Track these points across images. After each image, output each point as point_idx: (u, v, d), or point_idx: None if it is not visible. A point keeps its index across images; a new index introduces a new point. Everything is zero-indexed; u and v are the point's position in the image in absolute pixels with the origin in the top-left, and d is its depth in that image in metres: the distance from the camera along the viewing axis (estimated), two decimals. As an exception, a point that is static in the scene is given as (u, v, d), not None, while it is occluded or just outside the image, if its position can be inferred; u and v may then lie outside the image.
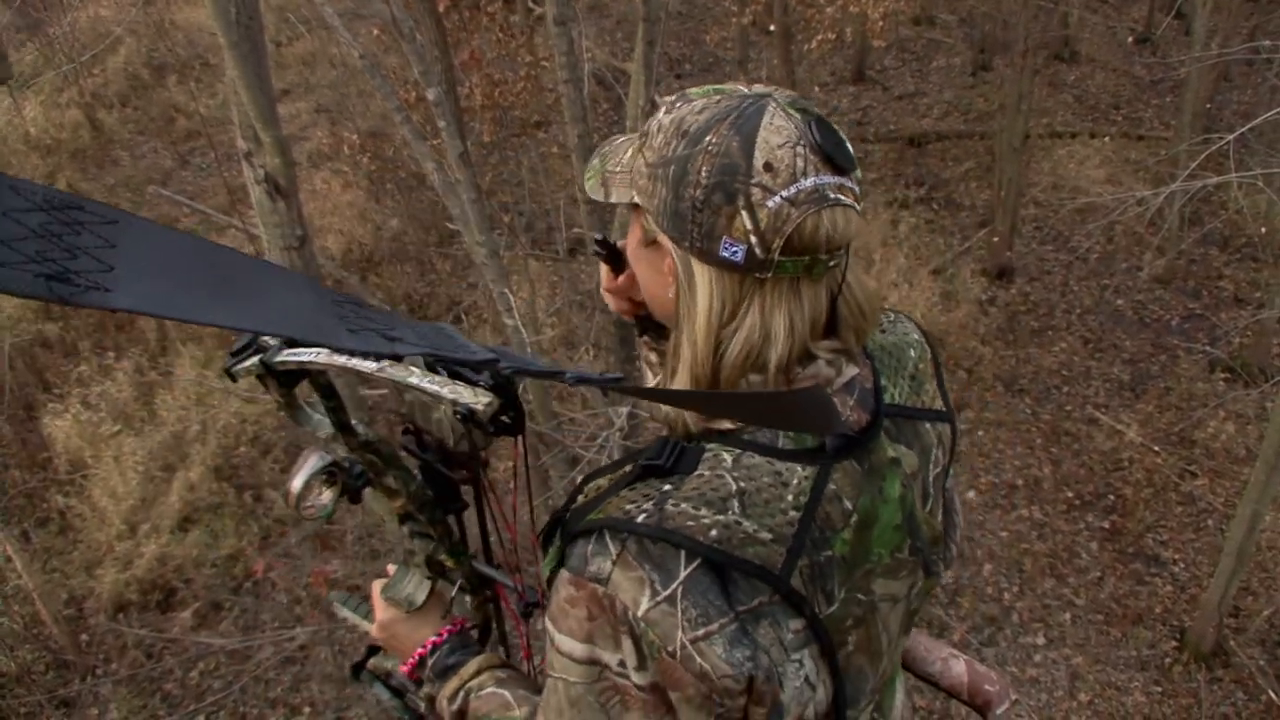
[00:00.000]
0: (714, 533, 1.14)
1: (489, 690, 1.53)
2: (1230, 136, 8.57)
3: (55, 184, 15.52)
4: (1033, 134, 14.75)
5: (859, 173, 1.23)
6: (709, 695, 1.15)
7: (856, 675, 1.29)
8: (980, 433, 11.79)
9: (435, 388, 1.36)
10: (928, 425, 1.41)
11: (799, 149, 1.17)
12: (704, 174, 1.16)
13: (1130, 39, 19.76)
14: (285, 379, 1.50)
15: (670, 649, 1.14)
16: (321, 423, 1.57)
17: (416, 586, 1.71)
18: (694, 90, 1.26)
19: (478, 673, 1.58)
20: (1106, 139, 16.40)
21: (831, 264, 1.21)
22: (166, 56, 18.67)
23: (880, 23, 14.74)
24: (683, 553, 1.14)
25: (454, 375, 1.38)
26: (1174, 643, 9.68)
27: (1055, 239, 14.88)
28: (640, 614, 1.14)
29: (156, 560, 10.22)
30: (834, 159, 1.18)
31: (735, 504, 1.17)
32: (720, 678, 1.14)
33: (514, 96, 12.49)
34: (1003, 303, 13.73)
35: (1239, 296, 13.61)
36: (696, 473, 1.20)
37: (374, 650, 1.82)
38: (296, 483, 1.50)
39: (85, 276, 0.73)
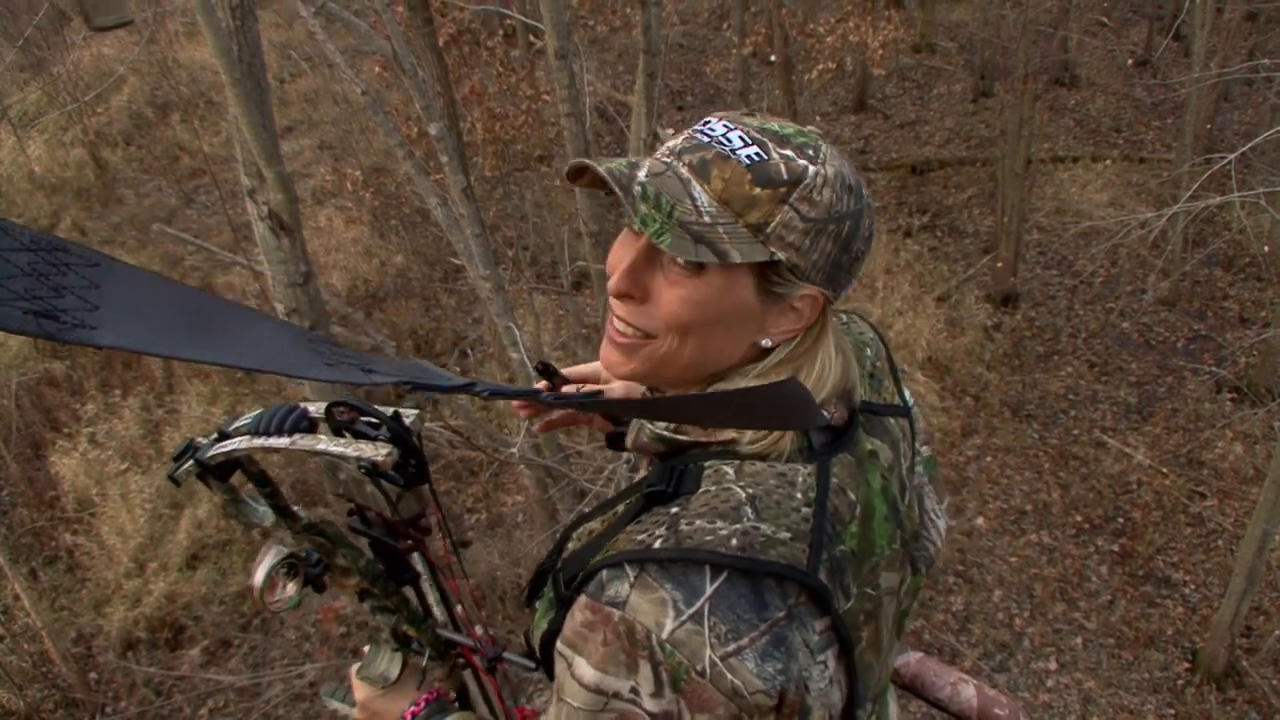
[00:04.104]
0: (734, 541, 1.13)
1: None
2: (1232, 156, 8.58)
3: (60, 223, 15.69)
4: (1035, 159, 14.77)
5: None
6: (738, 715, 1.12)
7: (866, 672, 1.27)
8: (988, 458, 11.77)
9: (339, 449, 1.38)
10: (891, 420, 1.45)
11: (850, 175, 1.27)
12: (868, 227, 1.26)
13: (1130, 62, 19.83)
14: (220, 473, 1.50)
15: (700, 668, 1.10)
16: (265, 514, 1.58)
17: (389, 662, 1.71)
18: (796, 129, 1.25)
19: None
20: (1108, 162, 16.43)
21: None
22: (170, 95, 18.75)
23: (880, 51, 14.80)
24: (707, 568, 1.12)
25: (357, 435, 1.40)
26: (1186, 664, 9.64)
27: (1059, 263, 14.89)
28: (665, 636, 1.10)
29: (165, 598, 10.20)
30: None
31: (749, 510, 1.16)
32: (753, 694, 1.11)
33: (516, 130, 12.54)
34: (1008, 328, 13.73)
35: (1244, 316, 13.60)
36: (701, 490, 1.20)
37: None
38: (257, 577, 1.51)
39: (71, 314, 0.74)
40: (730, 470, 1.21)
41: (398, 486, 1.48)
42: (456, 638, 1.73)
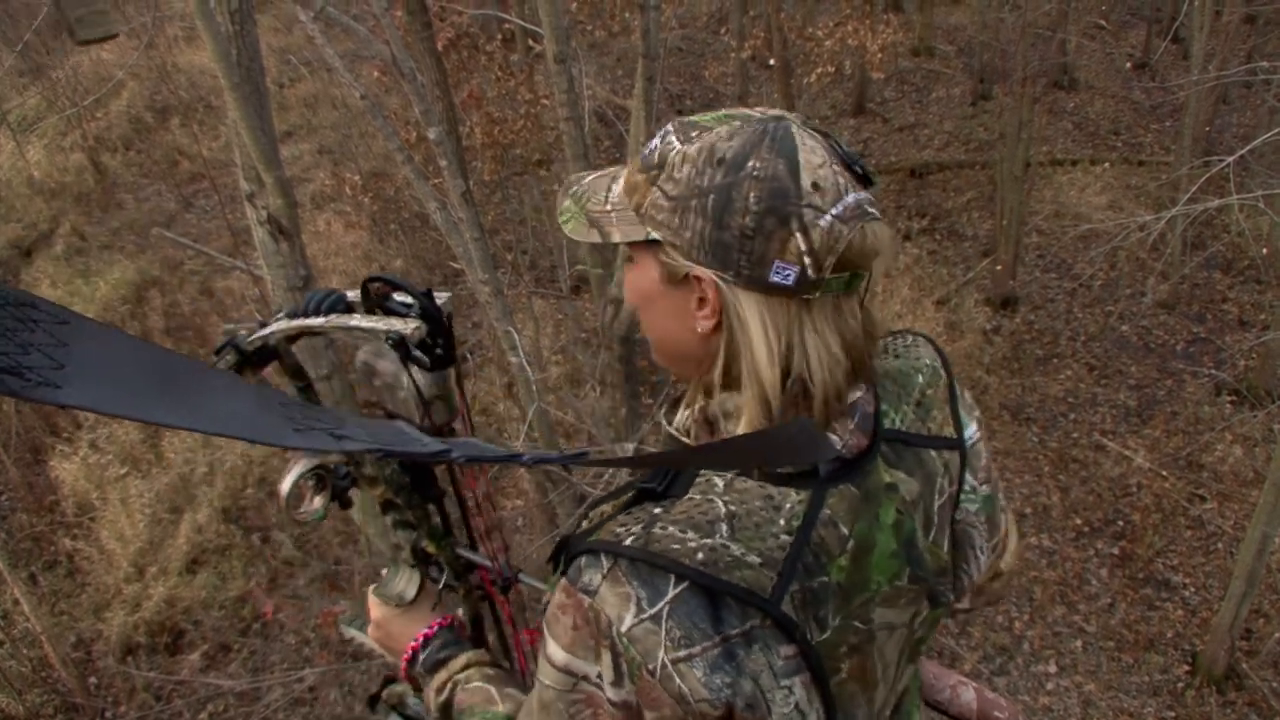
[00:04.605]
0: (700, 556, 1.14)
1: (475, 684, 1.54)
2: (1230, 159, 8.58)
3: (60, 228, 15.65)
4: (1033, 162, 14.78)
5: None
6: (684, 718, 1.15)
7: (849, 702, 1.27)
8: (987, 461, 11.77)
9: (370, 324, 1.42)
10: (933, 453, 1.37)
11: (835, 167, 1.20)
12: (753, 200, 1.16)
13: (1129, 65, 19.85)
14: (258, 360, 1.55)
15: (651, 667, 1.13)
16: None
17: (407, 582, 1.73)
18: (702, 117, 1.25)
19: (466, 667, 1.59)
20: (1107, 165, 16.44)
21: (862, 275, 1.26)
22: (169, 99, 18.76)
23: (879, 55, 14.80)
24: (671, 575, 1.14)
25: (388, 312, 1.45)
26: (1186, 667, 9.64)
27: (1058, 266, 14.90)
28: (624, 630, 1.13)
29: (165, 602, 10.20)
30: (858, 171, 1.24)
31: (724, 527, 1.17)
32: (697, 701, 1.13)
33: (514, 135, 12.54)
34: (1007, 331, 13.73)
35: (1243, 319, 13.60)
36: (687, 496, 1.20)
37: (390, 681, 1.83)
38: (284, 486, 1.51)
39: (36, 372, 0.73)
40: (720, 483, 1.21)
41: (424, 368, 1.51)
42: (474, 557, 1.76)
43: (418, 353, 1.46)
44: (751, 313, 1.20)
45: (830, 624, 1.21)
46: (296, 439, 0.79)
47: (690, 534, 1.16)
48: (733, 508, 1.19)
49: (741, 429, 1.23)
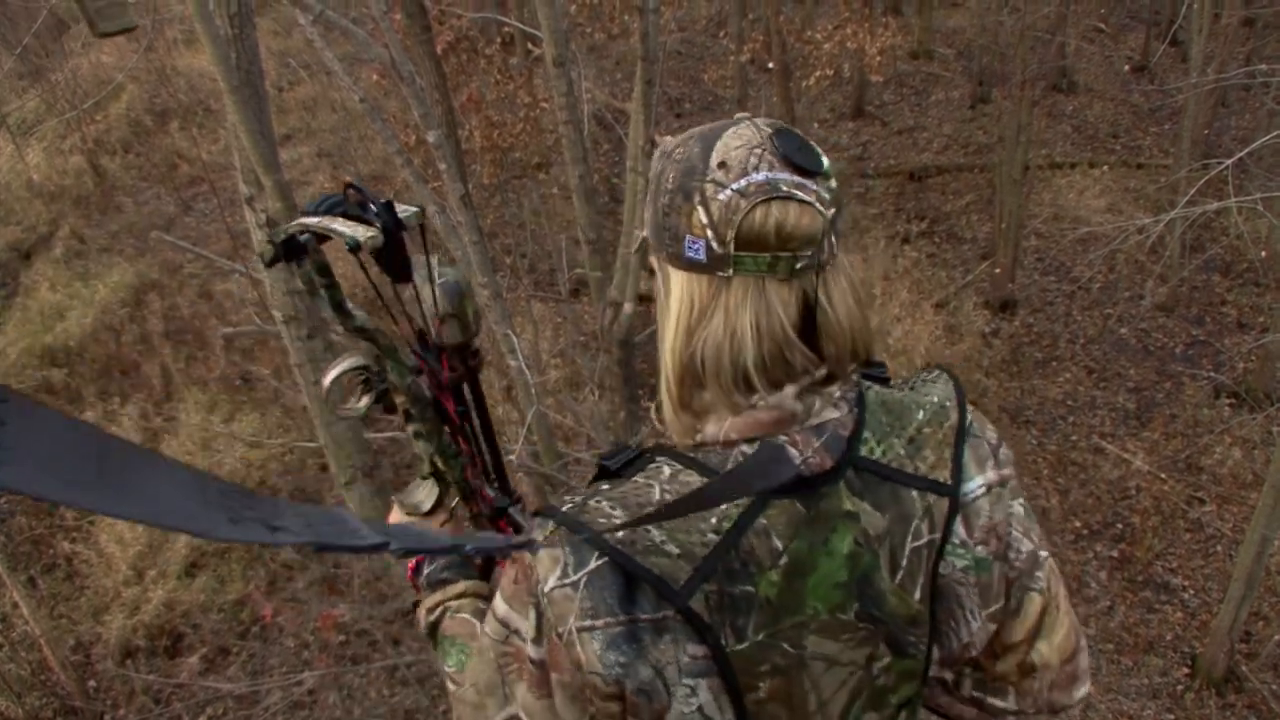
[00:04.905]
0: (621, 534, 1.17)
1: (464, 615, 1.55)
2: (1229, 161, 8.59)
3: (59, 230, 15.65)
4: (1032, 165, 14.79)
5: (832, 182, 1.24)
6: (581, 688, 1.19)
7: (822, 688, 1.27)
8: (987, 464, 11.77)
9: (339, 226, 1.49)
10: (913, 493, 1.30)
11: (756, 150, 1.20)
12: (670, 180, 1.23)
13: (1127, 68, 19.85)
14: (289, 254, 1.58)
15: (560, 630, 1.18)
16: (324, 305, 1.63)
17: (426, 494, 1.77)
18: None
19: (461, 595, 1.61)
20: (1106, 168, 16.45)
21: (799, 265, 1.20)
22: (168, 103, 18.76)
23: (878, 58, 14.83)
24: (595, 549, 1.17)
25: (358, 219, 1.51)
26: (1186, 670, 9.64)
27: (1057, 269, 14.91)
28: (547, 589, 1.18)
29: (164, 606, 10.19)
30: (793, 160, 1.20)
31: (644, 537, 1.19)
32: (589, 673, 1.17)
33: (514, 138, 12.55)
34: (1006, 334, 13.73)
35: (1242, 321, 13.61)
36: (633, 478, 1.24)
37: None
38: (326, 380, 1.55)
39: None
40: (667, 471, 1.24)
41: (392, 278, 1.59)
42: (475, 481, 1.77)
43: (375, 257, 1.54)
44: (675, 288, 1.27)
45: (750, 636, 1.20)
46: (228, 529, 0.78)
47: (618, 512, 1.19)
48: (668, 497, 1.21)
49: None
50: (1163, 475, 11.39)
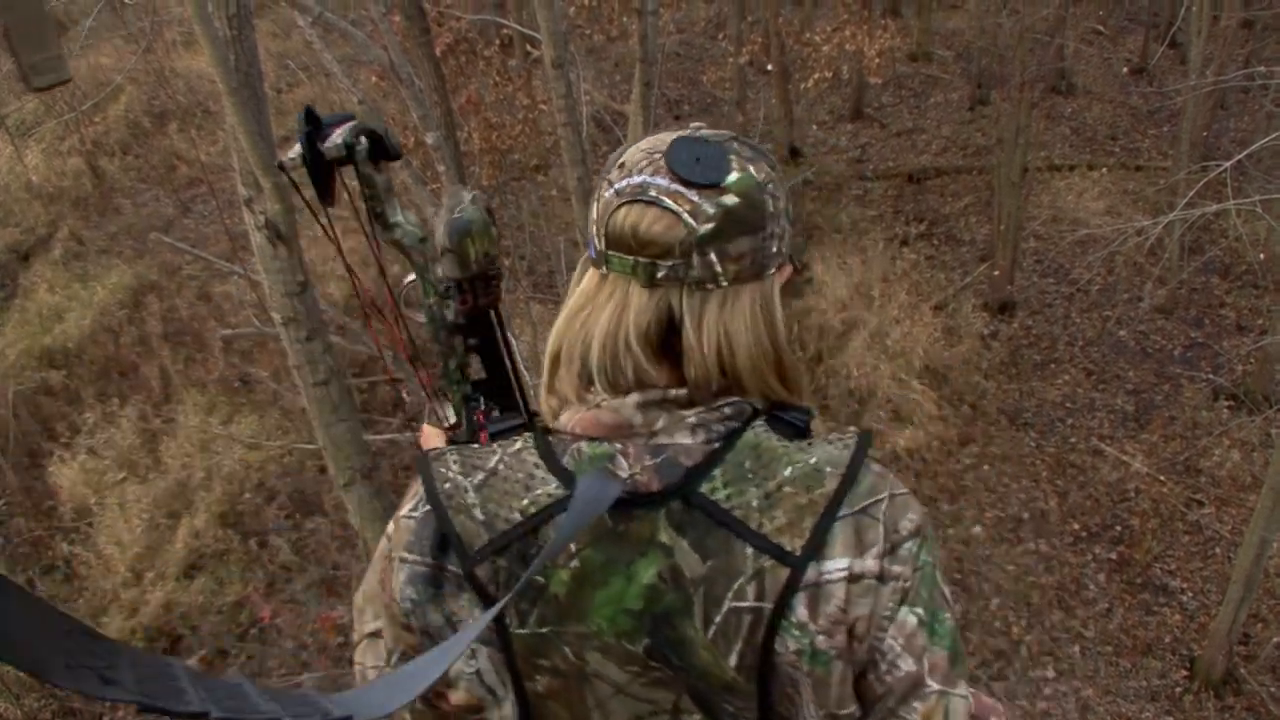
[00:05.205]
0: (446, 486, 1.23)
1: None
2: (1228, 164, 8.60)
3: (57, 232, 15.65)
4: (1031, 167, 14.79)
5: (728, 199, 1.16)
6: (391, 611, 1.26)
7: (606, 699, 1.26)
8: (985, 467, 11.78)
9: (297, 147, 1.59)
10: (749, 550, 1.16)
11: (651, 154, 1.20)
12: (599, 189, 1.25)
13: (1126, 70, 19.87)
14: (333, 163, 1.66)
15: (392, 554, 1.26)
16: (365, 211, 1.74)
17: (453, 410, 1.84)
18: None
19: None
20: (1105, 170, 16.46)
21: (659, 274, 1.18)
22: (167, 104, 18.75)
23: (877, 60, 14.83)
24: (426, 494, 1.24)
25: (310, 142, 1.60)
26: (1184, 672, 9.64)
27: (1056, 271, 14.91)
28: (398, 514, 1.28)
29: (162, 607, 10.20)
30: (674, 167, 1.17)
31: (479, 476, 1.23)
32: (390, 600, 1.25)
33: (513, 140, 12.54)
34: (1005, 336, 13.74)
35: (1241, 324, 13.62)
36: (492, 445, 1.28)
37: None
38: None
39: None
40: (518, 444, 1.26)
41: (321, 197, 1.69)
42: (471, 405, 1.82)
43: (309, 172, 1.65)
44: (581, 279, 1.29)
45: (532, 625, 1.21)
46: (62, 674, 0.77)
47: (455, 467, 1.24)
48: (500, 467, 1.23)
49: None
50: (1161, 477, 11.40)
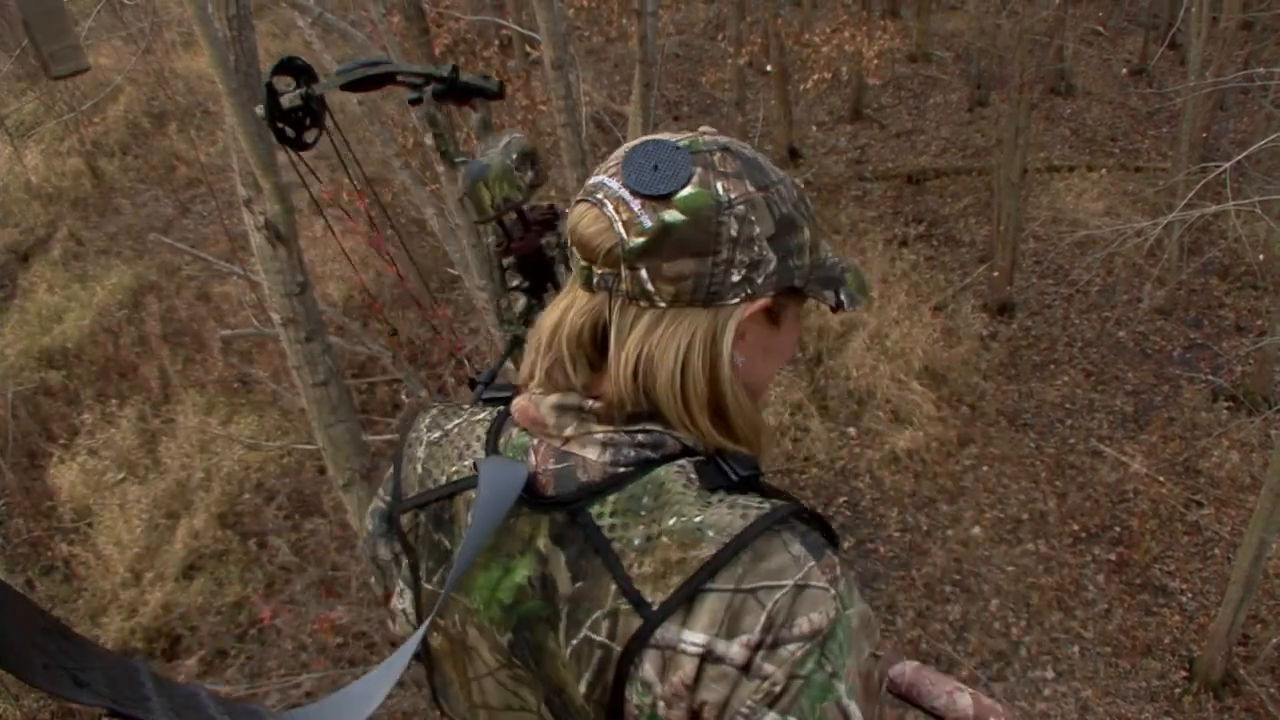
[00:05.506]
0: (412, 435, 1.34)
1: None
2: (1227, 165, 8.60)
3: (57, 232, 15.65)
4: (1031, 168, 14.79)
5: (668, 215, 1.08)
6: (363, 536, 1.39)
7: (444, 680, 1.33)
8: (985, 468, 11.78)
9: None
10: (614, 586, 1.09)
11: (624, 155, 1.15)
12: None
13: (1125, 71, 19.88)
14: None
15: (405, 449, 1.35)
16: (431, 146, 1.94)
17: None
18: None
19: None
20: (1104, 171, 16.46)
21: (594, 280, 1.14)
22: (167, 104, 18.74)
23: (876, 61, 14.83)
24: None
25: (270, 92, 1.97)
26: (1184, 673, 9.64)
27: (1055, 272, 14.91)
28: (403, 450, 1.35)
29: (161, 608, 10.19)
30: (627, 173, 1.11)
31: (436, 434, 1.31)
32: (365, 527, 1.38)
33: (512, 140, 12.53)
34: (1004, 337, 13.74)
35: (1240, 325, 13.62)
36: (478, 406, 1.34)
37: None
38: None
39: None
40: (485, 413, 1.30)
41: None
42: (515, 348, 1.91)
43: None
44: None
45: (434, 584, 1.27)
46: (41, 675, 0.76)
47: (427, 422, 1.34)
48: (454, 431, 1.30)
49: None
50: (1161, 478, 11.40)
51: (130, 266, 15.11)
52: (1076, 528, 11.10)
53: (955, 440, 12.03)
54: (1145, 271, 13.80)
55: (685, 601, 1.04)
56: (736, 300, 1.12)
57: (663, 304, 1.11)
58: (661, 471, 1.13)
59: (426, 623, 1.06)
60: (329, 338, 5.30)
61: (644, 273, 1.10)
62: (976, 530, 11.00)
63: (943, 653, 9.70)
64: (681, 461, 1.14)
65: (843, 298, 1.22)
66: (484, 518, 1.09)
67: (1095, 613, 10.24)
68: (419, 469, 1.28)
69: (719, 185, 1.10)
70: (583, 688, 1.12)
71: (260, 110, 1.74)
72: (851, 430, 12.22)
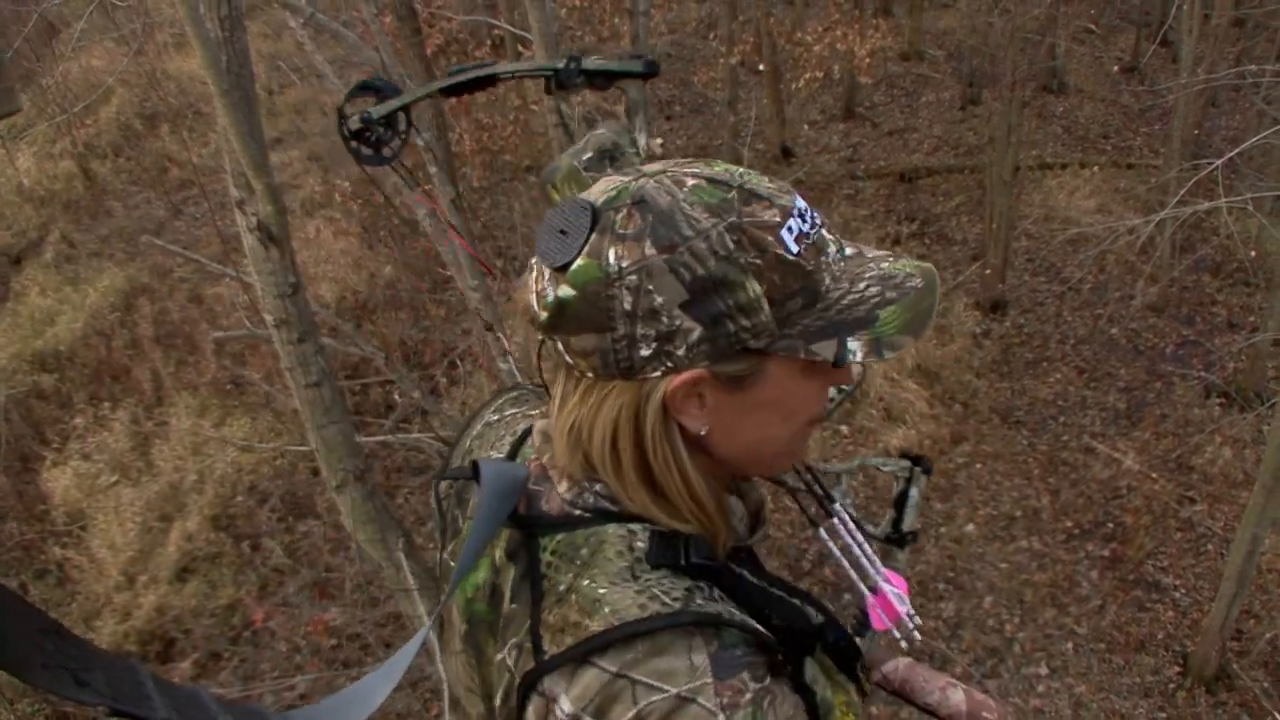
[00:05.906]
0: (482, 412, 1.42)
1: None
2: (1219, 162, 8.60)
3: (49, 235, 15.62)
4: (1023, 166, 14.79)
5: (559, 292, 1.03)
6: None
7: (442, 644, 1.35)
8: (977, 465, 11.79)
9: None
10: (528, 620, 1.08)
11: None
12: None
13: (1117, 68, 19.89)
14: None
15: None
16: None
17: None
18: None
19: None
20: (1096, 168, 16.47)
21: (544, 340, 1.10)
22: (159, 106, 18.72)
23: (868, 59, 14.85)
24: None
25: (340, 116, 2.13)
26: (1177, 668, 9.65)
27: (1047, 270, 14.93)
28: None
29: (155, 611, 10.18)
30: (538, 240, 1.06)
31: (496, 417, 1.39)
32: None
33: (504, 141, 12.56)
34: (997, 335, 13.75)
35: (1232, 321, 13.63)
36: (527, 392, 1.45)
37: None
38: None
39: None
40: (540, 411, 1.35)
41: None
42: None
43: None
44: None
45: (447, 552, 1.33)
46: (41, 675, 0.76)
47: (497, 403, 1.42)
48: (508, 417, 1.38)
49: None
50: (1154, 475, 11.41)
51: (122, 269, 15.09)
52: (1070, 524, 11.11)
53: (948, 438, 12.04)
54: (1137, 269, 13.82)
55: (574, 663, 1.01)
56: (657, 374, 1.04)
57: (588, 375, 1.07)
58: (610, 529, 1.10)
59: (427, 624, 1.04)
60: (322, 339, 5.30)
61: (560, 346, 1.07)
62: (970, 527, 11.01)
63: (936, 650, 9.71)
64: (634, 526, 1.10)
65: (852, 348, 1.07)
66: (484, 519, 1.09)
67: (1089, 609, 10.25)
68: (468, 443, 1.36)
69: (610, 253, 1.00)
70: (498, 700, 1.14)
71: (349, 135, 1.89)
72: (844, 429, 12.22)
